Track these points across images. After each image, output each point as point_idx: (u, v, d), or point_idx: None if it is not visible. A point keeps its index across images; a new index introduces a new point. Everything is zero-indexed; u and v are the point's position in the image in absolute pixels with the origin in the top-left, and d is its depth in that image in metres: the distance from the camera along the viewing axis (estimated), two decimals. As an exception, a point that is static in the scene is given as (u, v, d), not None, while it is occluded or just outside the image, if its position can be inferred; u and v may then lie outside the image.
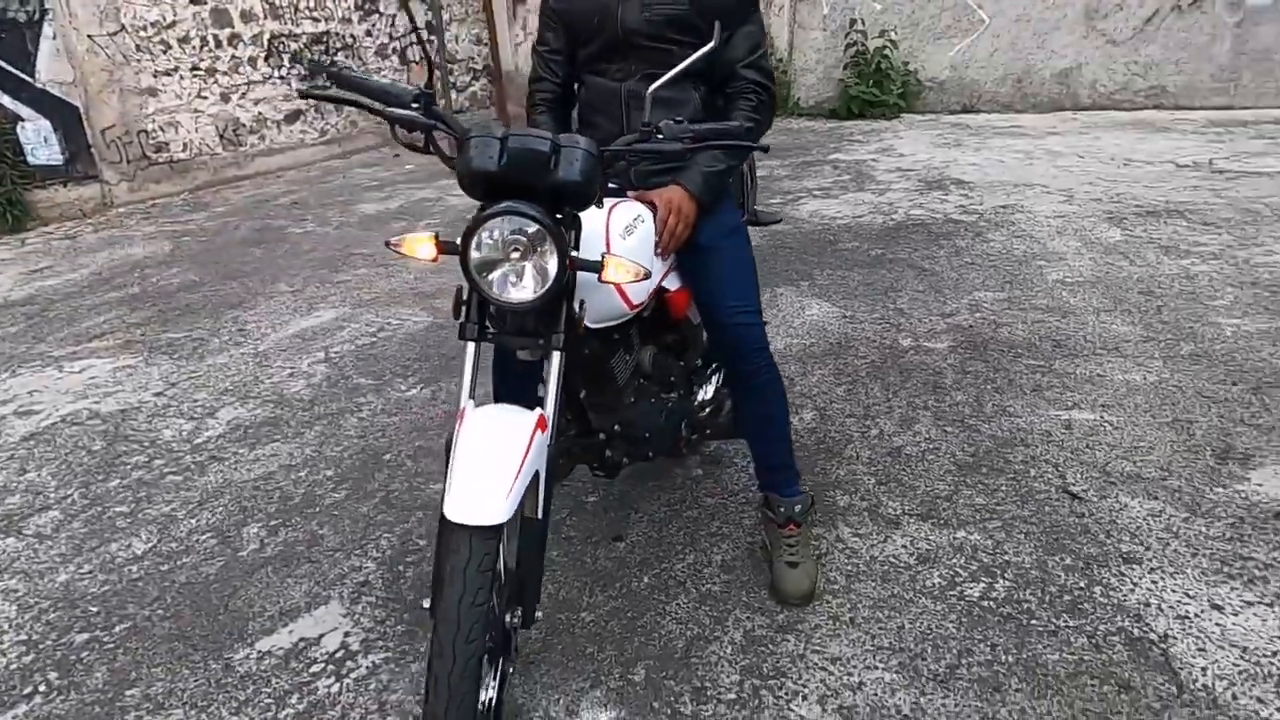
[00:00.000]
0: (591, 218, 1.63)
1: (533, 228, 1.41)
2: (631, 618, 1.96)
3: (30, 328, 4.13)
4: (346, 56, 8.64)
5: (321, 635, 1.97)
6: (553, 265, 1.41)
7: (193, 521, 2.46)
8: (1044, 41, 8.17)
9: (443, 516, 1.42)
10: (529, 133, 1.43)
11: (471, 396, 1.50)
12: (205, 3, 7.31)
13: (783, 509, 2.04)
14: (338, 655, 1.91)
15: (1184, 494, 2.28)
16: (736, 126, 1.57)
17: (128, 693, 1.84)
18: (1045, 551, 2.09)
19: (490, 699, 1.44)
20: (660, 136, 1.52)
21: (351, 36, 8.67)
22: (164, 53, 7.07)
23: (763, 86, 1.89)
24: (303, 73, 8.23)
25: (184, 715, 1.77)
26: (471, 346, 1.54)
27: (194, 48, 7.29)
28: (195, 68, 7.31)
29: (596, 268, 1.49)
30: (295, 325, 3.98)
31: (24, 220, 6.18)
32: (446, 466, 1.47)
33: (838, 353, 3.30)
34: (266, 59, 7.90)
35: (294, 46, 8.11)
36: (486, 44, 10.30)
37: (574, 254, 1.49)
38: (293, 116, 8.22)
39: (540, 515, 1.48)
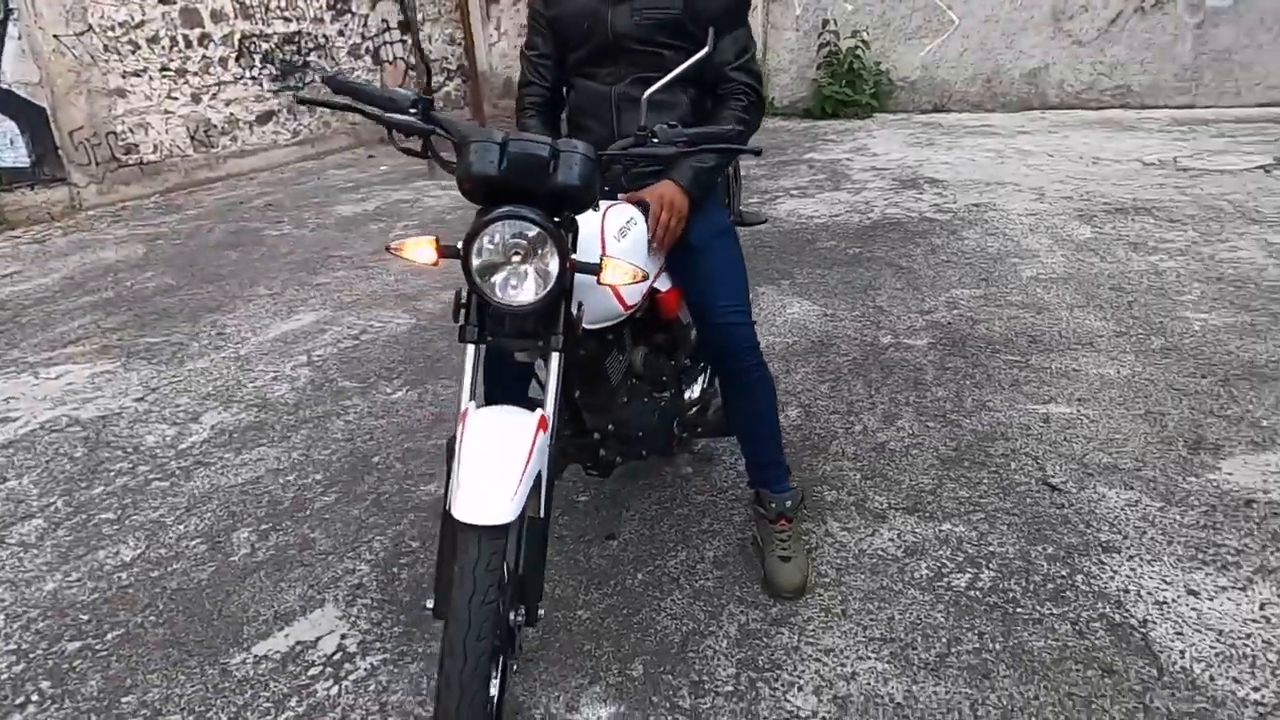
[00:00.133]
0: (586, 220, 1.65)
1: (533, 231, 1.43)
2: (627, 614, 1.99)
3: (2, 334, 4.06)
4: (319, 57, 8.57)
5: (318, 638, 1.98)
6: (554, 268, 1.43)
7: (181, 527, 2.45)
8: (1012, 42, 8.31)
9: (448, 516, 1.44)
10: (529, 138, 1.45)
11: (473, 398, 1.52)
12: (174, 2, 7.22)
13: (774, 504, 2.08)
14: (335, 658, 1.91)
15: (1158, 484, 2.36)
16: (729, 130, 1.61)
17: (123, 700, 1.83)
18: (1028, 542, 2.15)
19: (493, 697, 1.46)
20: (655, 140, 1.55)
21: (324, 36, 8.60)
22: (133, 53, 6.97)
23: (751, 88, 1.93)
24: (274, 73, 8.15)
25: (182, 721, 1.77)
26: (471, 349, 1.56)
27: (163, 48, 7.19)
28: (165, 68, 7.21)
29: (595, 270, 1.52)
30: (276, 328, 3.96)
31: (-9, 224, 6.07)
32: (449, 467, 1.50)
33: (820, 350, 3.35)
34: (238, 59, 7.82)
35: (265, 47, 8.03)
36: (460, 44, 10.26)
37: (573, 257, 1.51)
38: (265, 117, 8.13)
39: (542, 515, 1.50)
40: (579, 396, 1.92)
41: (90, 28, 6.63)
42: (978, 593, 1.99)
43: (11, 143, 6.28)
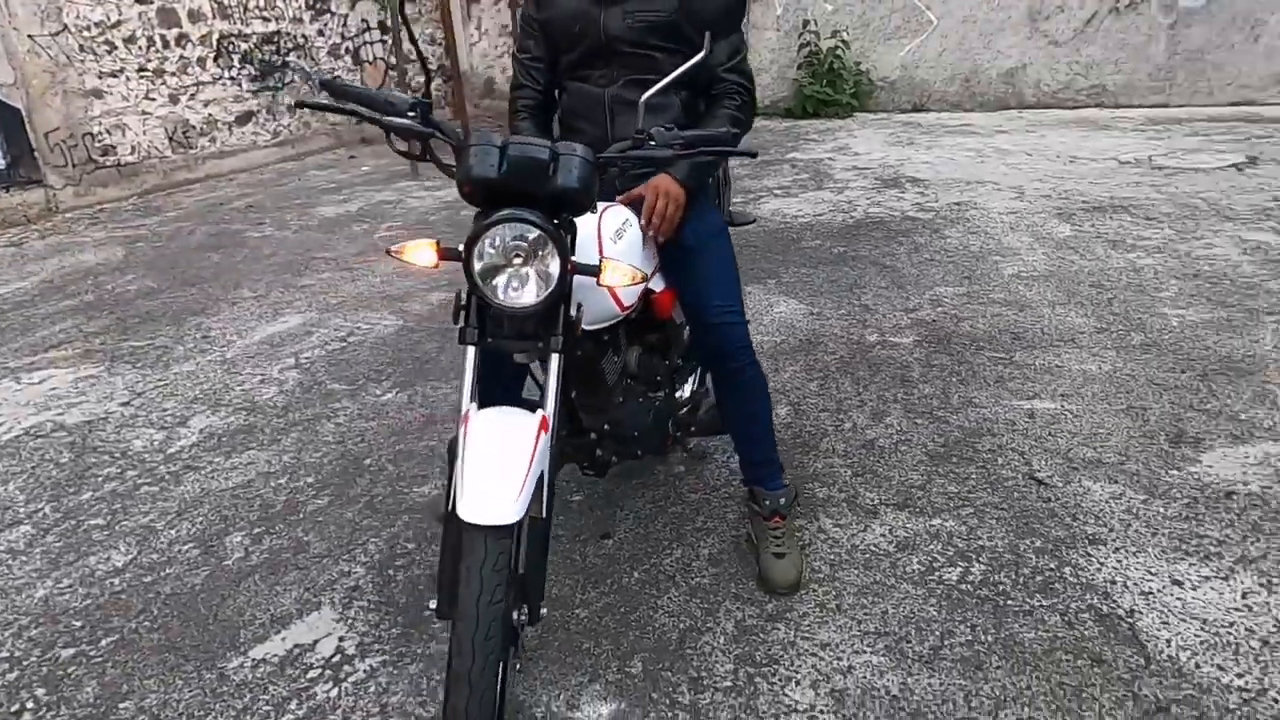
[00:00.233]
0: (584, 223, 1.67)
1: (533, 233, 1.44)
2: (625, 612, 2.00)
3: (-18, 338, 4.01)
4: (298, 57, 8.51)
5: (316, 641, 1.98)
6: (554, 269, 1.44)
7: (173, 532, 2.43)
8: (990, 42, 8.41)
9: (452, 517, 1.45)
10: (528, 141, 1.46)
11: (474, 400, 1.53)
12: (151, 2, 7.14)
13: (768, 502, 2.11)
14: (334, 660, 1.91)
15: (1142, 477, 2.41)
16: (724, 133, 1.63)
17: (121, 705, 1.82)
18: (1016, 535, 2.19)
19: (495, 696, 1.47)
20: (653, 143, 1.57)
21: (303, 36, 8.54)
22: (109, 53, 6.89)
23: (745, 88, 1.95)
24: (253, 73, 8.08)
25: (181, 726, 1.76)
26: (471, 350, 1.56)
27: (140, 48, 7.12)
28: (142, 69, 7.13)
29: (594, 271, 1.54)
30: (262, 331, 3.93)
31: (-35, 227, 5.98)
32: (450, 469, 1.51)
33: (807, 349, 3.38)
34: (216, 59, 7.75)
35: (244, 47, 7.97)
36: (440, 44, 10.22)
37: (573, 259, 1.53)
38: (244, 118, 8.07)
39: (544, 514, 1.52)
40: (575, 397, 1.93)
41: (66, 28, 6.55)
42: (969, 586, 2.02)
43: (-14, 145, 6.20)
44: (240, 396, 3.28)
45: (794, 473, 2.49)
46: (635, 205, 1.96)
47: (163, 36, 7.30)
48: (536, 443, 1.42)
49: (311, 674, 1.88)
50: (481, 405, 1.54)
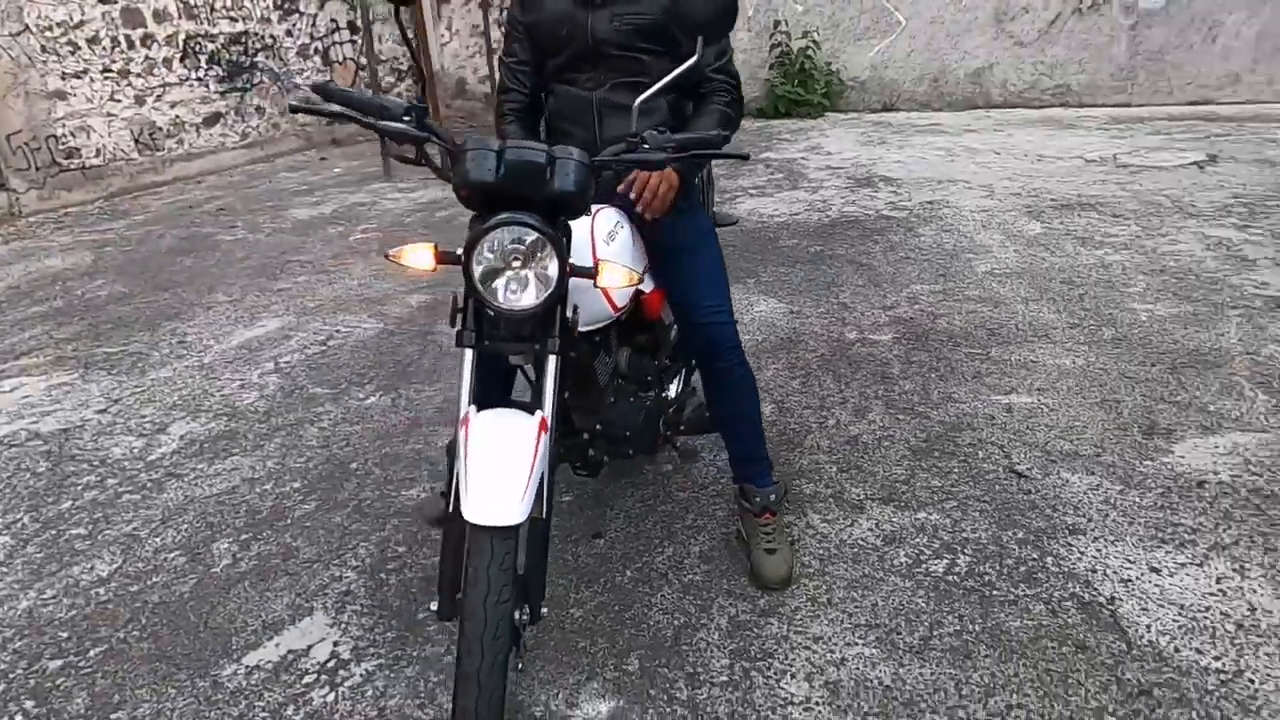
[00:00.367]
0: (577, 225, 1.68)
1: (531, 236, 1.46)
2: (619, 611, 2.02)
3: (-51, 346, 3.92)
4: (267, 57, 8.42)
5: (310, 646, 1.97)
6: (554, 271, 1.46)
7: (157, 540, 2.41)
8: (957, 43, 8.55)
9: (453, 518, 1.46)
10: (526, 145, 1.48)
11: (473, 402, 1.54)
12: (115, 2, 7.03)
13: (758, 499, 2.14)
14: (329, 665, 1.91)
15: (1117, 468, 2.47)
16: (715, 136, 1.65)
17: (112, 716, 1.80)
18: (999, 527, 2.24)
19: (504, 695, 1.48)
20: (646, 147, 1.59)
21: (271, 37, 8.45)
22: (72, 54, 6.76)
23: (732, 86, 1.98)
24: (221, 74, 7.98)
25: (176, 735, 1.75)
26: (469, 353, 1.57)
27: (104, 49, 7.00)
28: (107, 70, 7.01)
29: (590, 273, 1.55)
30: (239, 336, 3.89)
31: (-75, 232, 5.84)
32: (451, 470, 1.52)
33: (789, 347, 3.42)
34: (182, 60, 7.64)
35: (211, 47, 7.86)
36: (411, 44, 10.13)
37: (571, 261, 1.54)
38: (212, 119, 7.96)
39: (544, 515, 1.53)
40: (568, 398, 1.94)
41: (27, 28, 6.42)
42: (955, 577, 2.07)
43: (-55, 147, 6.06)
44: (220, 402, 3.24)
45: (780, 470, 2.52)
46: (624, 205, 1.98)
47: (127, 37, 7.18)
48: (538, 444, 1.43)
49: (307, 679, 1.87)
50: (477, 407, 1.55)
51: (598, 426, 2.00)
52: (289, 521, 2.46)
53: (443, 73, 10.27)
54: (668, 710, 1.74)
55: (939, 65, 8.66)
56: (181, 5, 7.54)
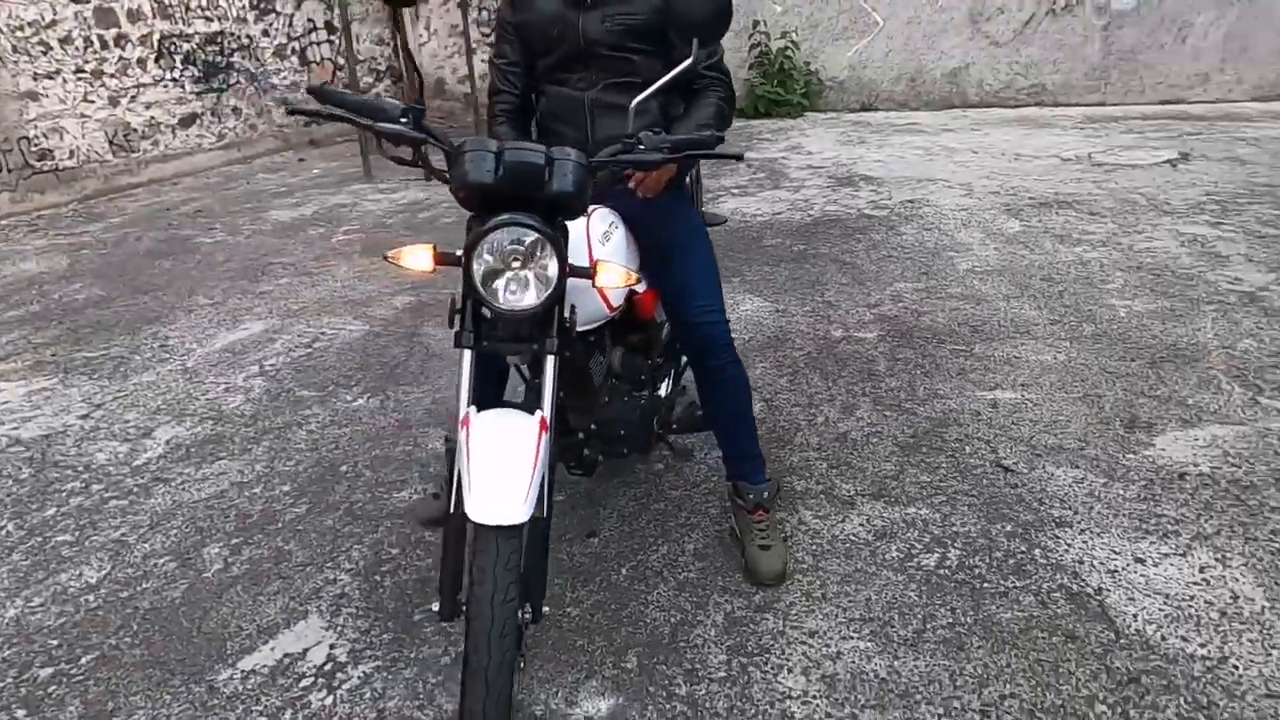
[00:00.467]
0: (573, 226, 1.69)
1: (530, 237, 1.46)
2: (616, 609, 2.03)
3: (-77, 352, 3.86)
4: (243, 58, 8.33)
5: (306, 650, 1.96)
6: (554, 271, 1.47)
7: (146, 546, 2.39)
8: (934, 43, 8.63)
9: (454, 519, 1.47)
10: (524, 146, 1.48)
11: (473, 403, 1.54)
12: (88, 1, 6.91)
13: (751, 496, 2.16)
14: (326, 668, 1.90)
15: (1101, 462, 2.52)
16: (709, 136, 1.67)
17: (107, 724, 1.79)
18: (988, 521, 2.28)
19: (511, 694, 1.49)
20: (642, 147, 1.60)
21: (248, 37, 8.36)
22: (44, 54, 6.65)
23: (723, 82, 1.99)
24: (197, 74, 7.88)
25: (173, 741, 1.74)
26: (468, 354, 1.58)
27: (77, 49, 6.89)
28: (80, 70, 6.91)
29: (588, 273, 1.56)
30: (222, 339, 3.86)
31: (-105, 236, 5.72)
32: (452, 471, 1.52)
33: (775, 345, 3.45)
34: (157, 60, 7.54)
35: (186, 47, 7.76)
36: (388, 44, 10.10)
37: (570, 261, 1.55)
38: (188, 120, 7.86)
39: (544, 514, 1.54)
40: (563, 397, 1.95)
41: (-2, 28, 6.31)
42: (946, 570, 2.10)
43: (-86, 150, 5.94)
44: (205, 406, 3.21)
45: (771, 467, 2.53)
46: (617, 205, 1.99)
47: (100, 37, 7.07)
48: (539, 443, 1.44)
49: (304, 682, 1.86)
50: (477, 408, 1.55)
51: (593, 426, 2.02)
52: (280, 525, 2.44)
53: (422, 72, 10.21)
54: (667, 707, 1.75)
55: (916, 65, 8.74)
56: (156, 5, 7.44)
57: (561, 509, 2.43)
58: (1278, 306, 3.49)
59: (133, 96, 7.36)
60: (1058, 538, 2.20)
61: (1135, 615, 1.92)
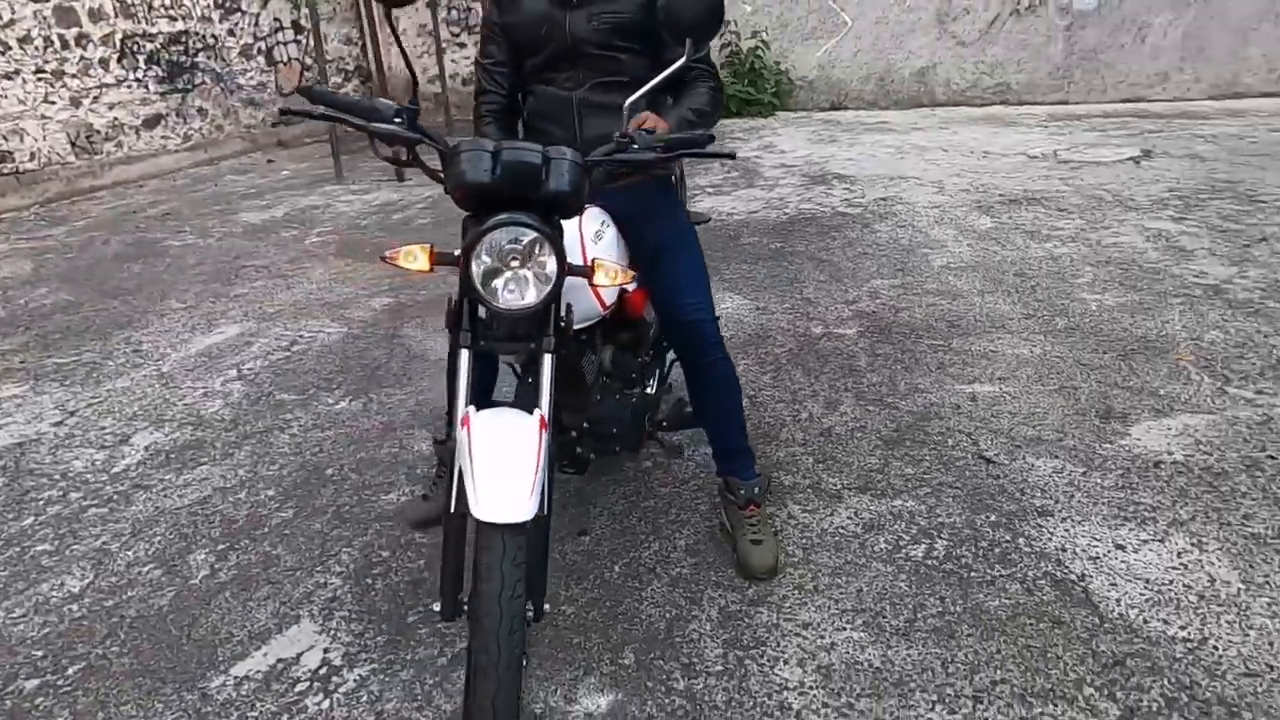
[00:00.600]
0: (567, 225, 1.70)
1: (528, 236, 1.47)
2: (610, 606, 2.04)
3: (-115, 361, 3.75)
4: (208, 58, 8.21)
5: (299, 654, 1.95)
6: (552, 270, 1.47)
7: (129, 554, 2.35)
8: (902, 43, 8.75)
9: (455, 518, 1.47)
10: (521, 145, 1.49)
11: (471, 402, 1.54)
12: (48, 0, 6.77)
13: (743, 491, 2.18)
14: (321, 672, 1.89)
15: (1079, 452, 2.58)
16: (701, 135, 1.68)
17: (98, 734, 1.76)
18: (972, 511, 2.32)
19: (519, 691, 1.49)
20: (635, 147, 1.61)
21: (213, 36, 8.24)
22: (2, 54, 6.52)
23: (711, 73, 2.00)
24: (161, 74, 7.75)
25: (167, 749, 1.72)
26: (466, 354, 1.58)
27: (37, 49, 6.75)
28: (40, 70, 6.76)
29: (586, 272, 1.57)
30: (197, 343, 3.80)
31: None
32: (452, 471, 1.52)
33: (757, 342, 3.48)
34: (120, 60, 7.40)
35: (150, 47, 7.63)
36: (356, 43, 10.01)
37: (568, 260, 1.56)
38: (152, 121, 7.74)
39: (545, 512, 1.54)
40: (555, 396, 1.95)
41: (-46, 27, 6.15)
42: (934, 561, 2.14)
43: None
44: (183, 411, 3.17)
45: (759, 462, 2.55)
46: (606, 205, 2.01)
47: (61, 36, 6.93)
48: (540, 441, 1.45)
49: (300, 687, 1.85)
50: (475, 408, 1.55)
51: (585, 424, 2.02)
52: (267, 530, 2.42)
53: (391, 73, 10.12)
54: (666, 701, 1.76)
55: (885, 65, 8.85)
56: (118, 4, 7.31)
57: (551, 508, 2.43)
58: (1241, 299, 3.59)
59: (95, 97, 7.23)
60: (1040, 526, 2.25)
61: (1118, 600, 1.97)
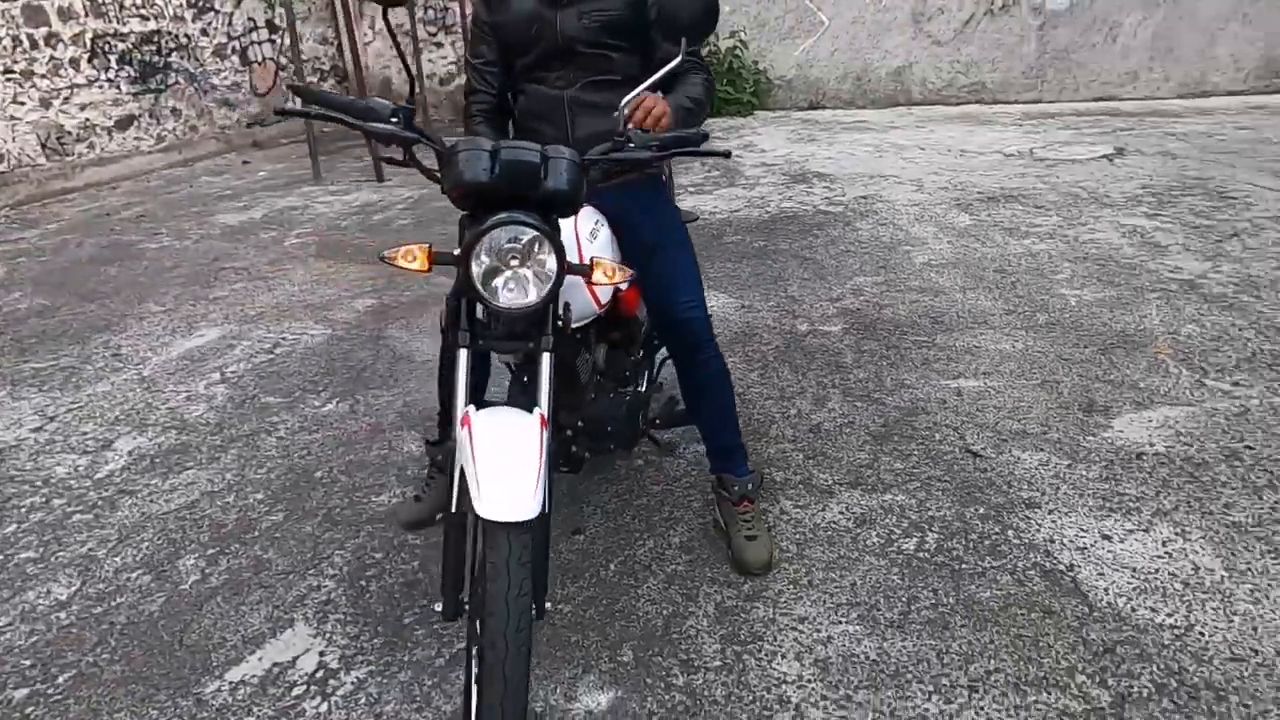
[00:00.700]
0: (563, 224, 1.70)
1: (527, 235, 1.47)
2: (607, 604, 2.05)
3: None
4: (181, 57, 8.10)
5: (295, 658, 1.93)
6: (552, 268, 1.47)
7: (117, 560, 2.32)
8: (878, 42, 8.82)
9: (456, 518, 1.47)
10: (519, 144, 1.49)
11: (471, 402, 1.54)
12: (16, -1, 6.66)
13: (736, 487, 2.19)
14: (318, 675, 1.88)
15: (1064, 444, 2.62)
16: (696, 134, 1.69)
17: (91, 742, 1.74)
18: (961, 505, 2.36)
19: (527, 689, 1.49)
20: (631, 145, 1.62)
21: (186, 36, 8.13)
22: (-30, 54, 6.38)
23: (701, 66, 2.01)
24: (133, 75, 7.64)
25: (163, 756, 1.70)
26: (464, 353, 1.58)
27: (5, 48, 6.63)
28: (9, 71, 6.64)
29: (584, 270, 1.58)
30: (178, 346, 3.76)
31: None
32: (452, 470, 1.51)
33: (744, 340, 3.50)
34: (91, 60, 7.28)
35: (121, 47, 7.52)
36: (332, 43, 9.92)
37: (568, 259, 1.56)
38: (125, 123, 7.62)
39: (546, 510, 1.54)
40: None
41: (-81, 26, 6.03)
42: (926, 554, 2.17)
43: None
44: (167, 415, 3.13)
45: (751, 459, 2.58)
46: (598, 205, 2.01)
47: (30, 36, 6.81)
48: (542, 440, 1.45)
49: (296, 691, 1.84)
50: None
51: (580, 423, 2.03)
52: (257, 534, 2.40)
53: (366, 72, 10.04)
54: (666, 697, 1.77)
55: (861, 64, 8.92)
56: (88, 3, 7.19)
57: (545, 507, 2.43)
58: (1216, 293, 3.67)
59: (66, 98, 7.11)
60: (1028, 518, 2.28)
61: (1106, 589, 2.01)
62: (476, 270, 1.46)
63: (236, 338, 3.82)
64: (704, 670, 1.84)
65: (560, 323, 1.63)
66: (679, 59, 1.63)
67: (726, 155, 1.72)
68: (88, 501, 2.60)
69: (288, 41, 8.88)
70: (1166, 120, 7.41)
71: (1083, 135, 7.03)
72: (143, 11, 7.68)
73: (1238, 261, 4.01)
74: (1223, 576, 2.03)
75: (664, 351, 2.31)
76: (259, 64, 8.92)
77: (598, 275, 1.57)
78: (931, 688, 1.76)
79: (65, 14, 7.04)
